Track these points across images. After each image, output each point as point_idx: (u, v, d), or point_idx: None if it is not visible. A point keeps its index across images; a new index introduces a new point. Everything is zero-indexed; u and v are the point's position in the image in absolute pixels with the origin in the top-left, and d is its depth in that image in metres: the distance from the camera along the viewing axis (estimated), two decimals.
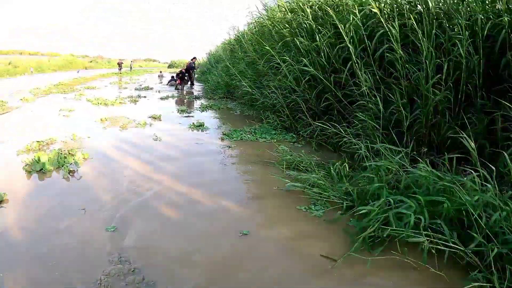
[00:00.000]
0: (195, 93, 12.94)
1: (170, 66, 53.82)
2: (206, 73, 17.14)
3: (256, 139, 5.23)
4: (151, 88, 14.30)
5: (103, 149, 4.61)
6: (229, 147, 4.79)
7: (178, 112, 7.99)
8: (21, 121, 6.55)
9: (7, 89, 12.64)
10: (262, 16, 7.64)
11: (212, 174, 3.77)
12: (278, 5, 6.95)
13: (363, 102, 4.40)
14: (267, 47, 6.05)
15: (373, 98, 4.38)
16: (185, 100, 10.89)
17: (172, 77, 16.54)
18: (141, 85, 15.90)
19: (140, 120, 6.55)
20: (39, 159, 3.71)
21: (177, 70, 27.75)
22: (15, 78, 20.12)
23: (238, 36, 9.95)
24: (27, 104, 8.79)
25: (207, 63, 18.06)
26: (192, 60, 16.32)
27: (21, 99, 9.41)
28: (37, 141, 4.71)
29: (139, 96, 10.91)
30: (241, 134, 5.42)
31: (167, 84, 16.40)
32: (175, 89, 14.35)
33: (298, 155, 4.11)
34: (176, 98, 11.12)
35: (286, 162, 3.96)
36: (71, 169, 3.71)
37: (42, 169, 3.66)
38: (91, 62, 50.15)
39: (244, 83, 7.38)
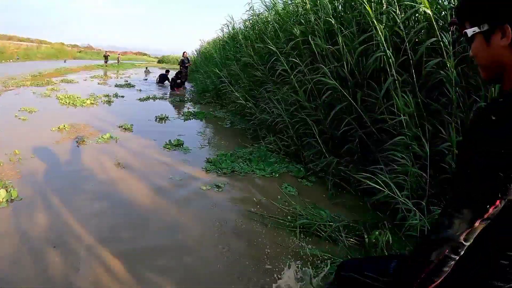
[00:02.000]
0: (179, 92, 11.38)
1: (160, 62, 51.82)
2: (194, 72, 15.58)
3: (252, 170, 3.80)
4: (133, 86, 12.54)
5: (41, 180, 3.14)
6: (217, 186, 3.32)
7: (156, 120, 6.44)
8: None
9: None
10: (266, 8, 6.16)
11: (197, 265, 2.20)
12: None
13: (401, 137, 3.11)
14: (273, 47, 4.65)
15: (413, 130, 3.10)
16: (167, 104, 9.21)
17: (162, 75, 14.84)
18: (124, 81, 14.17)
19: (106, 130, 5.08)
20: None
21: (167, 66, 25.96)
22: None
23: (233, 32, 8.46)
24: None
25: (195, 61, 16.41)
26: (183, 56, 14.32)
27: None
28: None
29: (116, 96, 9.28)
30: (232, 162, 4.00)
31: (156, 83, 14.69)
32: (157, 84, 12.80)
33: (316, 214, 2.80)
34: (157, 100, 9.48)
35: (302, 225, 2.65)
36: None
37: None
38: (80, 52, 47.87)
39: (236, 94, 5.97)
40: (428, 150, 3.02)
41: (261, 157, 4.22)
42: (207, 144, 4.94)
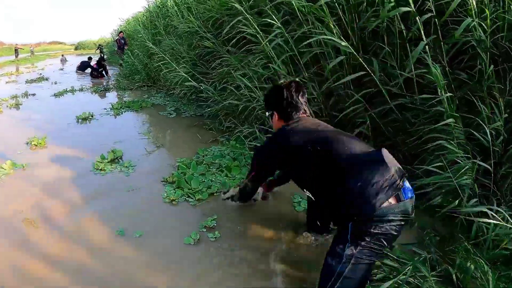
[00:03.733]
0: (104, 82, 9.10)
1: (77, 48, 45.75)
2: (117, 55, 13.16)
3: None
4: (47, 79, 10.00)
5: None
6: (209, 239, 1.98)
7: (78, 121, 4.62)
8: None
9: None
10: None
11: None
12: None
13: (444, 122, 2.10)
14: (235, 3, 3.17)
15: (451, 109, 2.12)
16: (90, 96, 7.07)
17: (84, 62, 12.26)
18: (38, 74, 11.39)
19: (7, 154, 3.27)
20: None
21: (86, 53, 22.47)
22: None
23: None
24: None
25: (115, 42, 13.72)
26: (120, 35, 11.81)
27: None
28: None
29: (25, 95, 6.97)
30: (202, 175, 2.66)
31: (76, 72, 12.14)
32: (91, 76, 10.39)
33: None
34: (77, 92, 7.35)
35: None
36: None
37: None
38: None
39: (182, 72, 4.40)
40: (489, 135, 2.11)
41: (241, 160, 2.97)
42: (155, 148, 3.49)
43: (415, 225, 2.23)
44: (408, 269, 1.53)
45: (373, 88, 2.54)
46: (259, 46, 3.07)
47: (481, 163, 2.15)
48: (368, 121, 2.64)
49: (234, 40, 3.57)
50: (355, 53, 2.34)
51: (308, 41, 2.57)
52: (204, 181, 2.56)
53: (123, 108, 5.34)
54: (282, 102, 1.74)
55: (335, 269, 1.31)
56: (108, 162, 3.01)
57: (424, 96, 2.29)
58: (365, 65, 2.39)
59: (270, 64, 3.04)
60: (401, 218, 1.31)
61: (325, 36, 2.36)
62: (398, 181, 1.29)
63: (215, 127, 3.99)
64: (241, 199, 2.19)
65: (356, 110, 2.63)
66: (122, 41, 11.59)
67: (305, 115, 1.76)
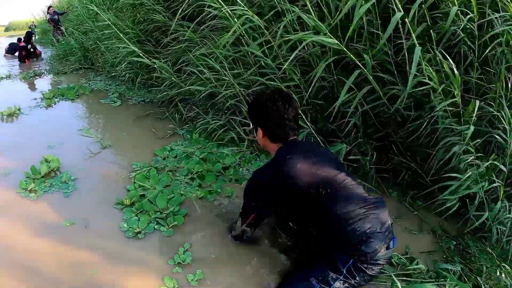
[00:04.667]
0: (35, 66, 7.67)
1: (8, 29, 39.45)
2: (49, 33, 11.33)
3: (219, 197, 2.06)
4: None
5: None
6: None
7: (1, 119, 3.62)
8: None
9: None
10: None
11: None
12: None
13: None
14: None
15: None
16: (17, 84, 5.76)
17: (13, 44, 10.31)
18: None
19: None
20: None
21: (17, 34, 19.50)
22: None
23: None
24: None
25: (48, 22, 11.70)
26: (49, 11, 10.12)
27: None
28: None
29: None
30: (166, 188, 2.08)
31: (4, 56, 10.19)
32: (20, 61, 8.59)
33: None
34: (3, 80, 5.93)
35: None
36: None
37: None
38: None
39: (133, 47, 3.50)
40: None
41: (212, 160, 2.43)
42: (101, 149, 2.78)
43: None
44: None
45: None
46: (226, 23, 2.45)
47: (498, 164, 1.86)
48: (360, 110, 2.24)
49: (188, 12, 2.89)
50: (346, 50, 1.87)
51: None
52: (173, 197, 1.98)
53: (57, 97, 4.40)
54: (268, 119, 1.51)
55: None
56: (40, 178, 2.25)
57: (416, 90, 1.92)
58: (357, 62, 1.94)
59: (241, 46, 2.46)
60: (385, 263, 1.41)
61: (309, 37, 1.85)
62: (392, 230, 1.42)
63: (173, 116, 3.35)
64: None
65: (348, 101, 2.20)
66: (56, 17, 9.97)
67: (296, 137, 1.56)
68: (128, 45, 3.49)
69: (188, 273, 1.50)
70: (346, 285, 1.38)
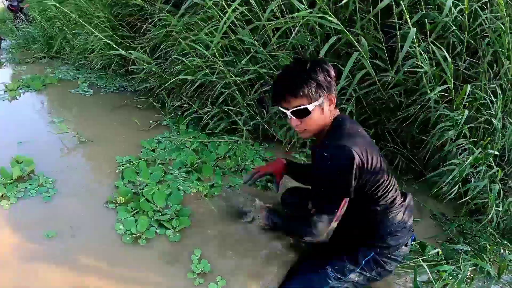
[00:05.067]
0: None
1: None
2: (8, 22, 10.28)
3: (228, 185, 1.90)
4: None
5: None
6: None
7: None
8: None
9: None
10: None
11: None
12: None
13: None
14: None
15: None
16: None
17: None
18: None
19: None
20: None
21: None
22: None
23: None
24: None
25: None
26: None
27: None
28: None
29: None
30: (175, 189, 1.87)
31: None
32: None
33: None
34: None
35: None
36: None
37: None
38: None
39: (106, 40, 3.19)
40: None
41: (205, 151, 2.27)
42: (77, 145, 2.47)
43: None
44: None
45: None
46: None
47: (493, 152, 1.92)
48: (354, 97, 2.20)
49: None
50: (345, 30, 1.81)
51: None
52: (171, 193, 1.81)
53: (21, 88, 3.99)
54: (333, 83, 1.25)
55: (331, 281, 1.32)
56: (12, 183, 1.92)
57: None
58: (357, 45, 1.88)
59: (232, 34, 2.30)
60: (401, 260, 1.40)
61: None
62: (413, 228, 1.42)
63: (154, 106, 3.12)
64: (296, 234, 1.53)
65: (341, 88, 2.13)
66: (16, 3, 9.08)
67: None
68: (98, 35, 3.20)
69: (210, 282, 1.37)
70: (361, 277, 1.35)
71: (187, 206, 1.76)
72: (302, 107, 1.19)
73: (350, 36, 1.90)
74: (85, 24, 3.47)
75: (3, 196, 1.81)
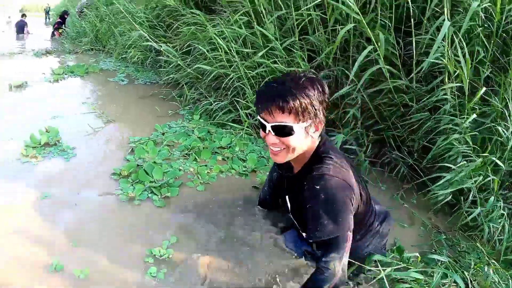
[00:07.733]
0: (47, 45, 7.58)
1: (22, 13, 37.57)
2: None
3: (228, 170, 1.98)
4: None
5: None
6: None
7: (10, 89, 3.55)
8: None
9: None
10: None
11: None
12: None
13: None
14: None
15: None
16: (26, 59, 5.78)
17: (20, 23, 10.31)
18: None
19: None
20: None
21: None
22: None
23: None
24: None
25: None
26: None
27: None
28: None
29: None
30: (174, 167, 2.01)
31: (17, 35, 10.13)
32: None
33: None
34: (15, 55, 5.96)
35: None
36: None
37: None
38: None
39: (143, 32, 3.46)
40: None
41: (209, 139, 2.38)
42: (103, 124, 2.72)
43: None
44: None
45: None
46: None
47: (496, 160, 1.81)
48: (360, 102, 2.20)
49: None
50: (364, 22, 1.82)
51: None
52: (169, 170, 1.94)
53: (65, 73, 4.36)
54: (326, 101, 1.11)
55: None
56: (40, 146, 2.20)
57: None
58: (371, 36, 1.88)
59: (256, 25, 2.41)
60: None
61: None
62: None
63: (176, 98, 3.31)
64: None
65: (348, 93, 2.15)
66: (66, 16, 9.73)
67: None
68: (138, 30, 3.46)
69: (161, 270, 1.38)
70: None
71: (179, 181, 1.86)
72: (286, 123, 1.02)
73: (368, 29, 1.86)
74: (131, 20, 3.75)
75: (33, 155, 2.10)
